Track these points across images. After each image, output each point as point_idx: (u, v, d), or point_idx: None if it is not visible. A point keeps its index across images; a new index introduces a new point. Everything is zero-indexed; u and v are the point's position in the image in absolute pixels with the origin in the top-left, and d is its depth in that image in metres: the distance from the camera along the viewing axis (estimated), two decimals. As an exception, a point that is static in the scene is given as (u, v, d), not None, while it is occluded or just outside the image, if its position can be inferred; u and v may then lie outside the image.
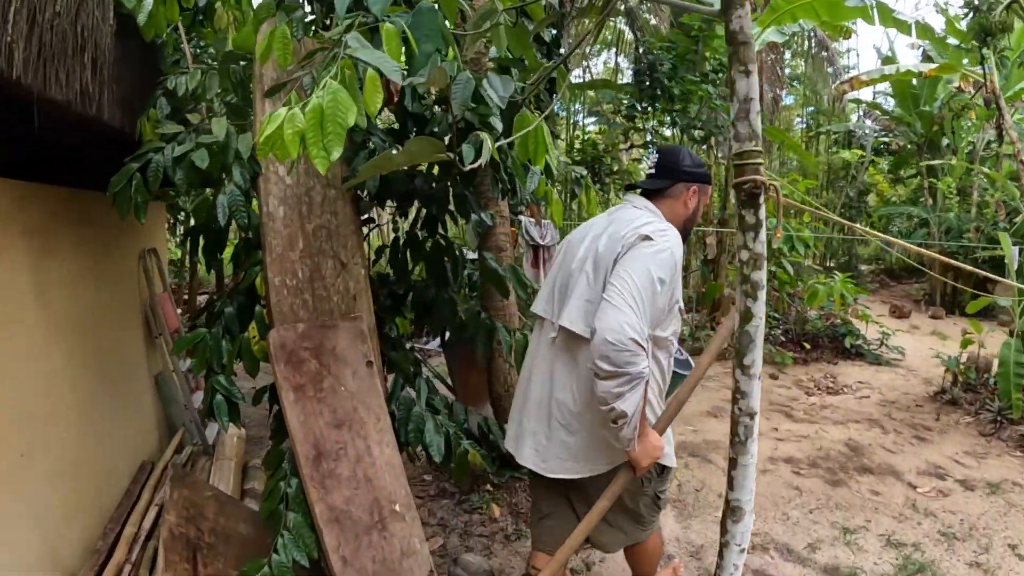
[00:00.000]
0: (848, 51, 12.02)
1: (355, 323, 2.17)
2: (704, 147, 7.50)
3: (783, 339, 6.77)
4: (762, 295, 1.32)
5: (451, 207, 2.39)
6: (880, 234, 7.82)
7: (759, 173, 1.24)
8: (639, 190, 1.83)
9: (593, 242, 1.71)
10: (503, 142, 1.74)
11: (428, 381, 2.33)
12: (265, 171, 2.22)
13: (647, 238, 1.59)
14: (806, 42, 10.45)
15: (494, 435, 2.39)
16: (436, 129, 2.13)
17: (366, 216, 2.45)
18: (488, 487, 3.24)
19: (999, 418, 4.47)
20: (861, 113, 12.66)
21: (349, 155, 2.27)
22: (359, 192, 2.21)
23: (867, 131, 11.48)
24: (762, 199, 1.27)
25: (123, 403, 3.27)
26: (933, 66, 5.63)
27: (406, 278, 2.49)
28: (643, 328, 1.48)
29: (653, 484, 1.89)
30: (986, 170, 7.96)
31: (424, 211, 2.43)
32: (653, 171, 1.81)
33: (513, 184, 2.28)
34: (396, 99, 1.96)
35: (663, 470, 1.91)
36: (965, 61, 5.32)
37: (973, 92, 7.59)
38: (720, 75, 5.63)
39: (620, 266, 1.56)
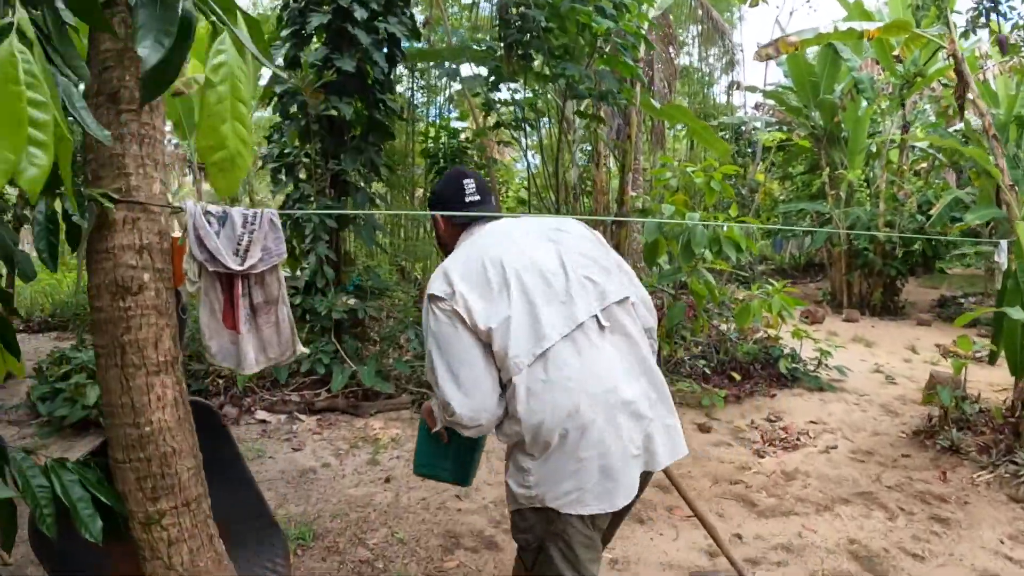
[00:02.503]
0: (734, 46, 11.25)
1: None
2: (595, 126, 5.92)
3: (707, 371, 5.32)
4: None
5: None
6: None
7: None
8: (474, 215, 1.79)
9: (551, 246, 1.63)
10: None
11: None
12: None
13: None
14: (700, 25, 9.42)
15: None
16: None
17: None
18: None
19: (1034, 477, 3.16)
20: (752, 107, 12.00)
21: None
22: None
23: (759, 124, 10.69)
24: None
25: None
26: (879, 25, 4.42)
27: None
28: None
29: None
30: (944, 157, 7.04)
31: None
32: (480, 197, 1.80)
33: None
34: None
35: None
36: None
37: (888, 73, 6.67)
38: (626, 12, 3.94)
39: (595, 244, 1.72)
